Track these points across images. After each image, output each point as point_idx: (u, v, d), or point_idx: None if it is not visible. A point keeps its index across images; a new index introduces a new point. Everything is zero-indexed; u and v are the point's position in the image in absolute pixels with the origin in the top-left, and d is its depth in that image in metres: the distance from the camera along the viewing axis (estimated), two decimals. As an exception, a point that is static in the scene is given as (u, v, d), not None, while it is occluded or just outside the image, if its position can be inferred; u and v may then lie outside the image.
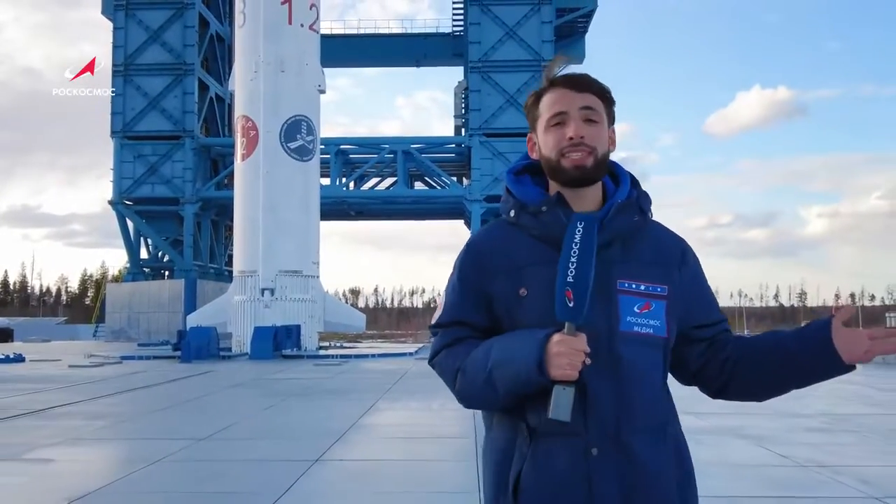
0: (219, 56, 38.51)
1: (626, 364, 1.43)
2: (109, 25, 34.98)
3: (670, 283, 1.50)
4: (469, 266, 1.56)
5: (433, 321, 1.59)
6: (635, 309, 1.45)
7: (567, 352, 1.34)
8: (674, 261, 1.54)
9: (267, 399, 10.32)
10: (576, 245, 1.40)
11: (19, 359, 18.99)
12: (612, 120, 1.56)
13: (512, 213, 1.54)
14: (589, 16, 37.18)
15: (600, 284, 1.43)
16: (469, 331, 1.54)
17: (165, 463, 5.79)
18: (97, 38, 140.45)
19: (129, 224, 34.55)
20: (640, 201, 1.55)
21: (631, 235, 1.51)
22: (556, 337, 1.36)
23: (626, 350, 1.43)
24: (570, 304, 1.37)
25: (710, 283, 1.64)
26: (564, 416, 1.34)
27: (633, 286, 1.47)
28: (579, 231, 1.41)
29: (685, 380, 1.61)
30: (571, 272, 1.38)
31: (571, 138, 1.47)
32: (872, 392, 11.27)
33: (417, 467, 5.74)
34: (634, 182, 1.60)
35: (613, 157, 1.59)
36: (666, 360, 1.50)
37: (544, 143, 1.52)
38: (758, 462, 5.76)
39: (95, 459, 6.27)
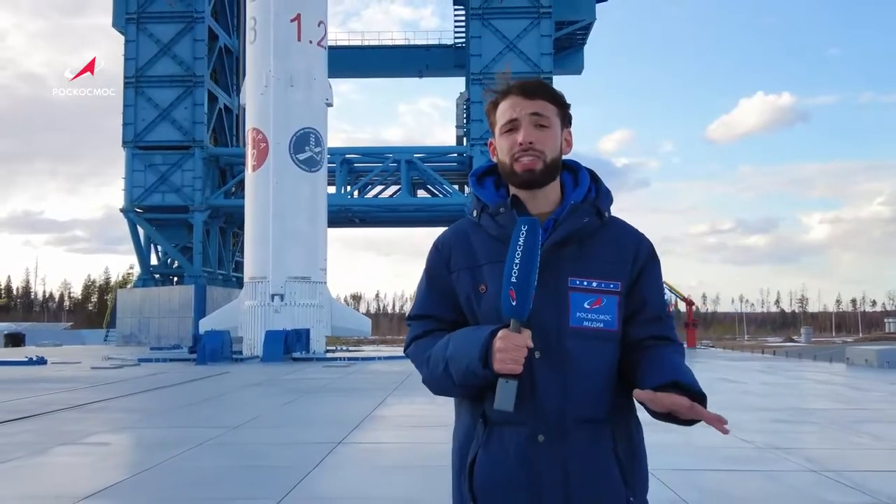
0: (227, 68, 39.51)
1: (573, 357, 1.51)
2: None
3: (623, 278, 1.57)
4: (435, 263, 1.68)
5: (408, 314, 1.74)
6: (585, 305, 1.53)
7: (508, 347, 1.42)
8: (628, 257, 1.59)
9: (285, 396, 11.20)
10: (519, 247, 1.45)
11: (41, 361, 19.85)
12: (566, 123, 1.64)
13: (475, 214, 1.65)
14: (587, 28, 38.14)
15: (551, 282, 1.53)
16: (436, 323, 1.66)
17: (208, 445, 6.68)
18: (99, 45, 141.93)
19: (140, 231, 35.50)
20: (598, 201, 1.61)
21: (588, 235, 1.57)
22: (500, 333, 1.45)
23: (574, 344, 1.51)
24: (514, 303, 1.44)
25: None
26: (508, 407, 1.43)
27: (585, 283, 1.54)
28: (523, 234, 1.46)
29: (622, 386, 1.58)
30: (515, 273, 1.44)
31: (521, 143, 1.56)
32: (846, 390, 12.10)
33: (425, 447, 6.63)
34: (595, 179, 1.67)
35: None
36: (616, 352, 1.57)
37: (500, 148, 1.62)
38: (720, 445, 6.62)
39: (146, 443, 7.16)
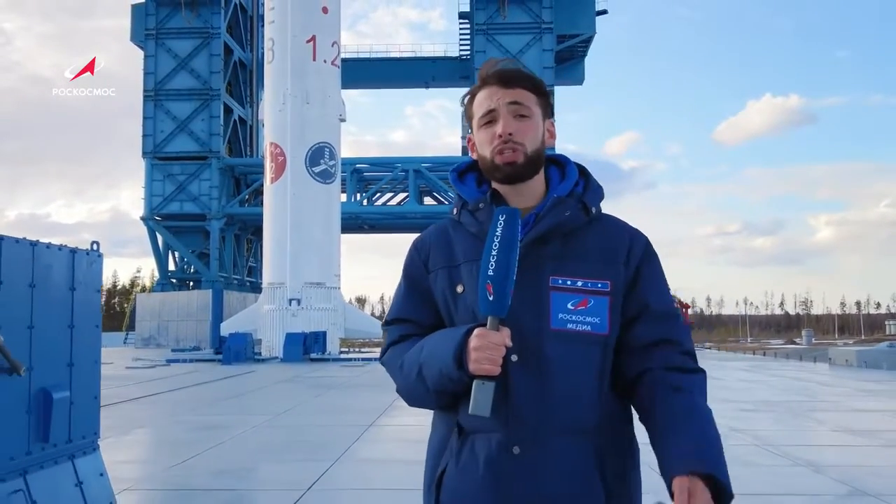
0: (241, 81, 41.14)
1: (553, 362, 1.39)
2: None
3: (614, 278, 1.44)
4: (413, 263, 1.57)
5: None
6: (569, 306, 1.41)
7: (484, 345, 1.31)
8: (620, 255, 1.46)
9: (313, 390, 12.63)
10: (497, 238, 1.35)
11: (77, 362, 21.30)
12: (548, 112, 1.53)
13: (455, 212, 1.54)
14: (588, 41, 39.59)
15: (531, 281, 1.41)
16: (413, 328, 1.55)
17: (261, 427, 8.11)
18: (106, 47, 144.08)
19: (158, 238, 37.08)
20: (586, 196, 1.49)
21: (573, 231, 1.46)
22: (476, 331, 1.34)
23: (554, 348, 1.40)
24: (491, 298, 1.34)
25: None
26: (484, 412, 1.32)
27: (569, 282, 1.42)
28: (500, 223, 1.36)
29: (621, 389, 1.47)
30: (492, 265, 1.34)
31: (500, 136, 1.45)
32: (815, 386, 13.42)
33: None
34: (585, 174, 1.55)
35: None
36: (606, 358, 1.44)
37: (479, 142, 1.51)
38: (685, 426, 8.00)
39: (208, 426, 8.55)
